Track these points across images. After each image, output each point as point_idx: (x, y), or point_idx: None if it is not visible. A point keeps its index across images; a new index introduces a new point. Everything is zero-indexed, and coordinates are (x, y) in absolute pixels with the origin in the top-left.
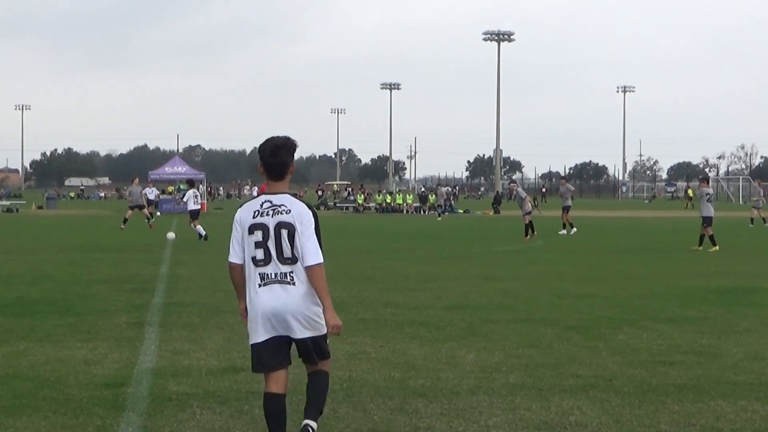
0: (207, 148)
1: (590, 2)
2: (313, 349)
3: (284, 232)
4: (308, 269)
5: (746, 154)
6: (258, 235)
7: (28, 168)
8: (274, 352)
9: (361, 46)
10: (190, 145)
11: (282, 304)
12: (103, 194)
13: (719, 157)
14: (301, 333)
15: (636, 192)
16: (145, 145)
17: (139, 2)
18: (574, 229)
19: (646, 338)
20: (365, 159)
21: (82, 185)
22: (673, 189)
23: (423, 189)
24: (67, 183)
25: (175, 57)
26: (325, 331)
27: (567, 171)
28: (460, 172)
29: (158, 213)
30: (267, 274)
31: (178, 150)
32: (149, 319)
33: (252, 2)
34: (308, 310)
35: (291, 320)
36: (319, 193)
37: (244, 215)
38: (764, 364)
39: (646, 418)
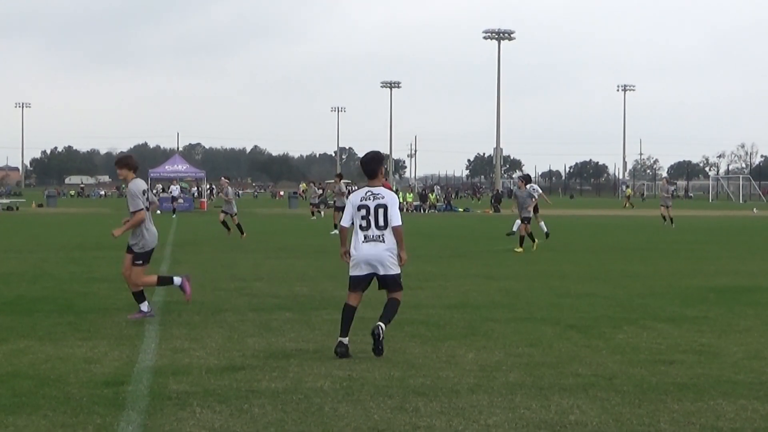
0: (207, 147)
1: (590, 2)
2: (391, 282)
3: (380, 210)
4: (395, 228)
5: (746, 153)
6: (363, 212)
7: (29, 166)
8: (362, 282)
9: (361, 44)
10: (190, 144)
11: (375, 254)
12: (103, 192)
13: (719, 156)
14: (385, 271)
15: (636, 191)
16: (146, 144)
17: (139, 1)
18: (537, 243)
19: (646, 337)
20: None
21: (82, 183)
22: (673, 188)
23: (423, 187)
24: (67, 181)
25: (175, 56)
26: (400, 271)
27: (538, 170)
28: (460, 171)
29: (158, 212)
30: (367, 235)
31: (178, 148)
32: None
33: (252, 2)
34: (390, 259)
35: (379, 264)
36: (320, 191)
37: (355, 199)
38: (764, 363)
39: (646, 417)
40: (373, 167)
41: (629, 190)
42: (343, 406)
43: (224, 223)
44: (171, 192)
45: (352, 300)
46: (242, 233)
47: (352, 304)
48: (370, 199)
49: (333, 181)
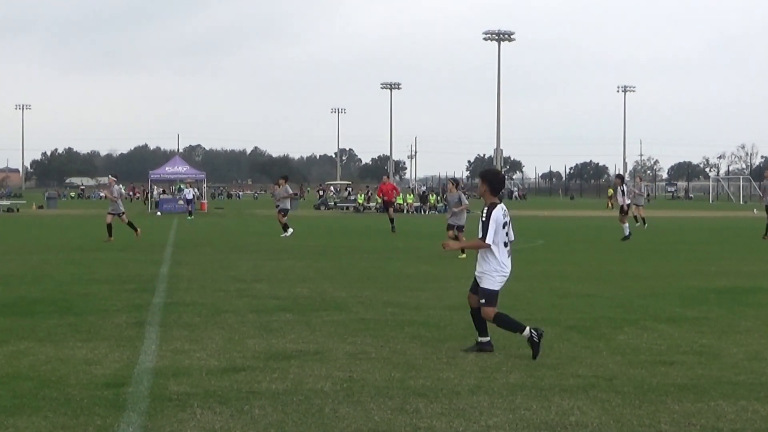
0: (207, 148)
1: (591, 2)
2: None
3: (510, 224)
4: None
5: (747, 154)
6: (506, 228)
7: (29, 168)
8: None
9: (361, 45)
10: (190, 145)
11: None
12: (103, 194)
13: (720, 157)
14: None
15: (637, 191)
16: (146, 145)
17: (139, 2)
18: (462, 256)
19: (646, 338)
20: (365, 159)
21: (82, 185)
22: (673, 189)
23: (424, 188)
24: (67, 182)
25: (176, 57)
26: None
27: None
28: (461, 172)
29: (158, 213)
30: (508, 251)
31: (178, 150)
32: (150, 318)
33: (252, 2)
34: None
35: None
36: (320, 192)
37: (499, 216)
38: (765, 364)
39: (646, 418)
40: (502, 186)
41: (611, 190)
42: (343, 408)
43: (109, 226)
44: (185, 195)
45: (496, 309)
46: (136, 230)
47: (498, 312)
48: (505, 215)
49: (278, 183)
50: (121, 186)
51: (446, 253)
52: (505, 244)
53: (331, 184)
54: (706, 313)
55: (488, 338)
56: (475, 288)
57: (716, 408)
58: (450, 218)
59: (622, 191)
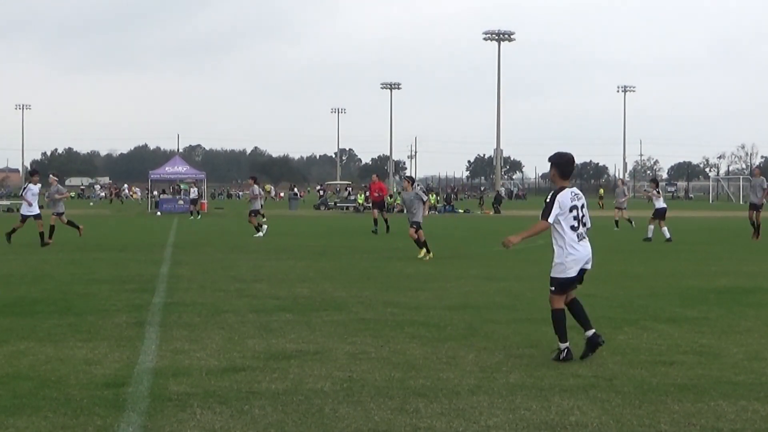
0: (207, 148)
1: (590, 2)
2: (583, 277)
3: (584, 209)
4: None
5: (746, 154)
6: (574, 212)
7: (29, 168)
8: (574, 282)
9: (361, 45)
10: (190, 145)
11: (588, 252)
12: (103, 194)
13: (719, 157)
14: (589, 265)
15: (636, 192)
16: (146, 145)
17: (139, 2)
18: (427, 254)
19: (646, 338)
20: (366, 159)
21: (82, 185)
22: (673, 189)
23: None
24: (67, 183)
25: (176, 57)
26: None
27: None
28: (461, 172)
29: (158, 213)
30: (579, 234)
31: (178, 150)
32: (150, 318)
33: (252, 2)
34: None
35: (589, 261)
36: (321, 192)
37: (564, 200)
38: (765, 364)
39: (646, 418)
40: (572, 168)
41: (602, 190)
42: (343, 408)
43: (52, 228)
44: (190, 194)
45: (562, 304)
46: (78, 228)
47: (562, 307)
48: (576, 199)
49: (248, 183)
50: (56, 186)
51: (502, 250)
52: (573, 228)
53: (331, 184)
54: (706, 313)
55: (593, 330)
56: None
57: (716, 408)
58: (411, 217)
59: (657, 193)
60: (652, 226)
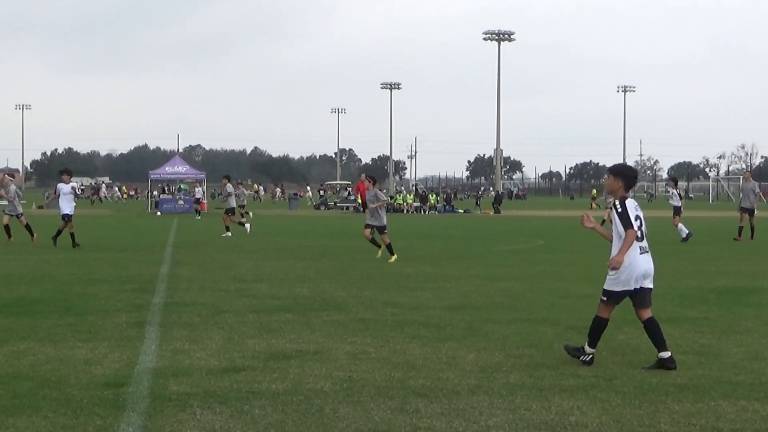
0: (207, 148)
1: (590, 2)
2: (649, 296)
3: (644, 220)
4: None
5: (746, 154)
6: (638, 222)
7: (29, 168)
8: (625, 296)
9: (361, 45)
10: (190, 145)
11: (650, 267)
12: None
13: (719, 157)
14: (650, 284)
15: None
16: (146, 145)
17: (139, 2)
18: (385, 255)
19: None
20: (365, 159)
21: (82, 185)
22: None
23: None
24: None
25: (176, 57)
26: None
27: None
28: (461, 172)
29: (158, 213)
30: (642, 247)
31: (178, 150)
32: (150, 318)
33: (252, 2)
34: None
35: (650, 277)
36: (321, 192)
37: (631, 207)
38: (765, 364)
39: (646, 418)
40: (636, 182)
41: (594, 191)
42: (343, 408)
43: (7, 227)
44: (194, 194)
45: (608, 314)
46: (32, 235)
47: (607, 317)
48: (638, 209)
49: (221, 182)
50: (14, 186)
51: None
52: (637, 239)
53: (330, 184)
54: (706, 313)
55: (669, 353)
56: (641, 302)
57: (716, 408)
58: (369, 218)
59: (678, 194)
60: (680, 224)
